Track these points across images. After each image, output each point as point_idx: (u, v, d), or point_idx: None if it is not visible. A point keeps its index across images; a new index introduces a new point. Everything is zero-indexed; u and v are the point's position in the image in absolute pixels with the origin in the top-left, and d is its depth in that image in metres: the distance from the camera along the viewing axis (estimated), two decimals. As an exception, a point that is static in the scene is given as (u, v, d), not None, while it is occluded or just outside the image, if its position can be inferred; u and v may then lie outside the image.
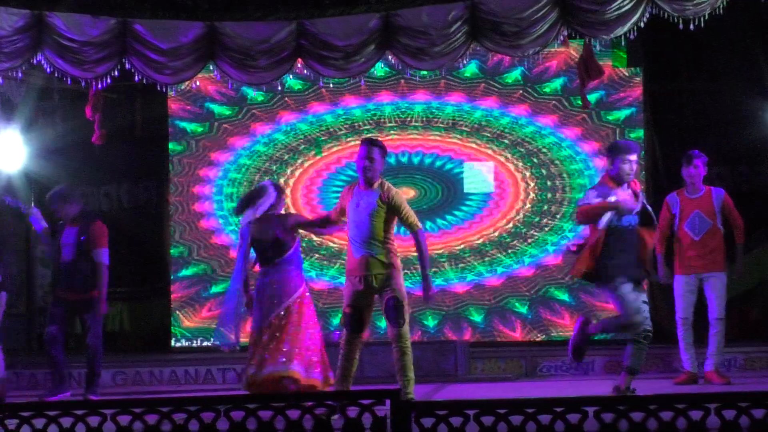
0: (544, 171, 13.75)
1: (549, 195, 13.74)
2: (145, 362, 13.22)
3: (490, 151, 13.81)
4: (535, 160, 13.76)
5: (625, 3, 10.52)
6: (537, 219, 13.76)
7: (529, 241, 13.77)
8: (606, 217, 9.08)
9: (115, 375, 12.82)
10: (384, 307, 8.86)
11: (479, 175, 13.82)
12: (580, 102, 12.97)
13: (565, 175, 13.71)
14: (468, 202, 13.91)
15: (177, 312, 14.25)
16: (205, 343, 13.97)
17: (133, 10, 11.60)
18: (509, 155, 13.80)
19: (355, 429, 5.57)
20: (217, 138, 14.36)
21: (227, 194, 14.28)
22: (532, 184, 13.77)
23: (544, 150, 13.73)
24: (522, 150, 13.77)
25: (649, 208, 9.25)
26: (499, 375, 12.36)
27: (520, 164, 13.78)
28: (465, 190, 13.84)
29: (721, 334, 10.54)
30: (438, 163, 13.96)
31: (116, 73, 11.50)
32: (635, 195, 9.30)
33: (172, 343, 14.15)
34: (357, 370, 9.11)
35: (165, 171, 14.42)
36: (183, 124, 14.41)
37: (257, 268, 10.11)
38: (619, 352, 10.53)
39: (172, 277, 14.31)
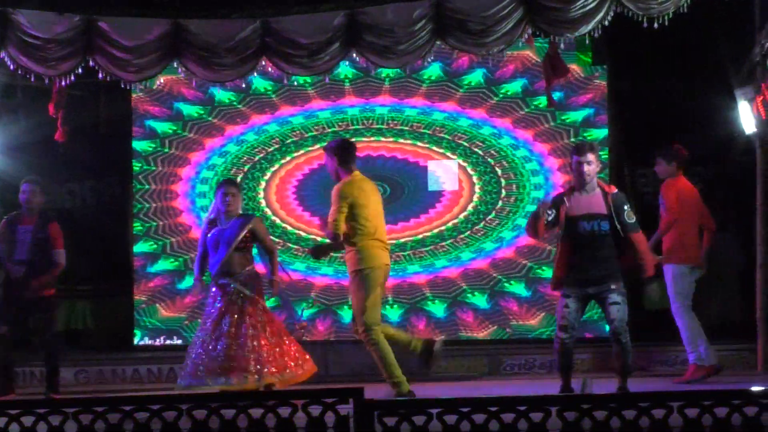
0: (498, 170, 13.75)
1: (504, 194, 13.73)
2: (108, 360, 13.18)
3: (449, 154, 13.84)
4: (490, 161, 13.73)
5: (589, 1, 10.54)
6: (491, 216, 13.75)
7: (480, 234, 13.72)
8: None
9: (78, 373, 12.77)
10: None
11: (444, 173, 13.79)
12: (540, 104, 13.11)
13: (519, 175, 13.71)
14: (427, 200, 13.91)
15: (156, 304, 14.07)
16: (168, 342, 13.90)
17: (99, 7, 11.53)
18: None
19: (318, 428, 5.56)
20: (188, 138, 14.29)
21: (199, 192, 14.20)
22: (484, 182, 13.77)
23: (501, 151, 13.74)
24: (478, 151, 13.75)
25: (627, 215, 9.26)
26: (463, 374, 12.38)
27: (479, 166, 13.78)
28: (429, 189, 13.81)
29: None
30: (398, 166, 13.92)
31: (80, 70, 11.44)
32: (605, 199, 9.30)
33: (136, 340, 14.06)
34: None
35: (129, 168, 14.33)
36: (154, 124, 14.30)
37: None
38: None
39: (149, 270, 14.15)
